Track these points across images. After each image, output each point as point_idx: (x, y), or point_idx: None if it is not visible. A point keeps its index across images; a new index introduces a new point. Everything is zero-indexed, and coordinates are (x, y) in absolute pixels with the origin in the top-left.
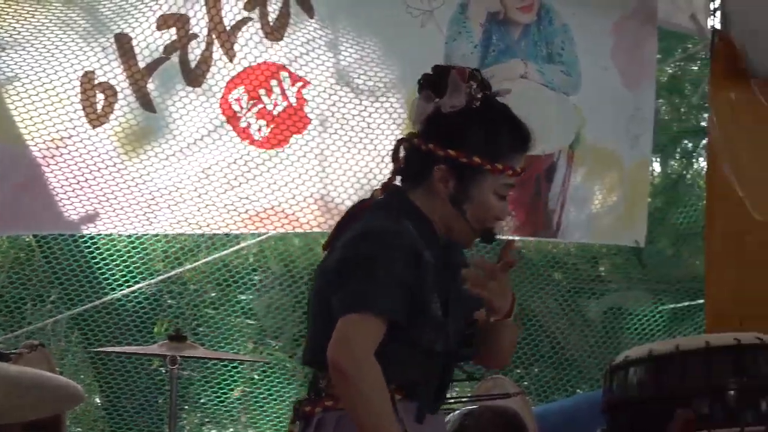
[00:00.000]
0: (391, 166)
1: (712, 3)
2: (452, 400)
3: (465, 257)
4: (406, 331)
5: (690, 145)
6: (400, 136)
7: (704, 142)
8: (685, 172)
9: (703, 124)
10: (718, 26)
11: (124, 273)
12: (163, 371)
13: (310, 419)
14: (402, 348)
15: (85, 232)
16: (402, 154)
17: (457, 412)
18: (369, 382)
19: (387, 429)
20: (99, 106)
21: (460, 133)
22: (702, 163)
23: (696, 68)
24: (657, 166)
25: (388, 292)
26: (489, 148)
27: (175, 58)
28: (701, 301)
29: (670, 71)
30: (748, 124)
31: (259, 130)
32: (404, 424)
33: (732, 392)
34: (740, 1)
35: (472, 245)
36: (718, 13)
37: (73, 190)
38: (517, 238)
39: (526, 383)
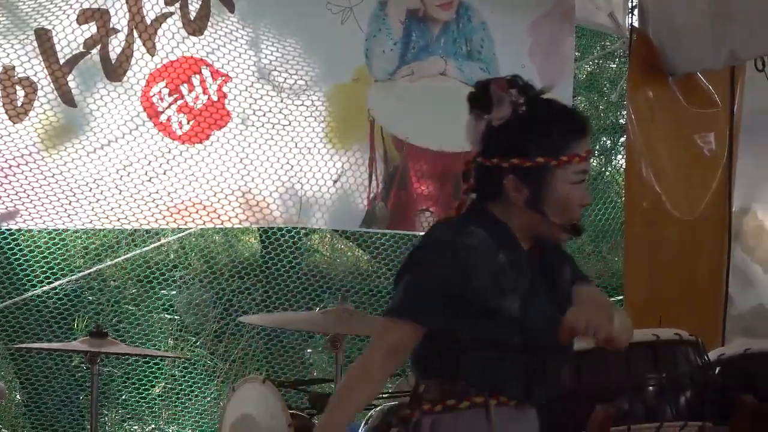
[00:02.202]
0: (305, 159)
1: (630, 1)
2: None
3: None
4: (478, 335)
5: (609, 142)
6: (320, 133)
7: (623, 139)
8: (603, 170)
9: (622, 121)
10: (636, 24)
11: (44, 269)
12: (84, 368)
13: (408, 423)
14: (481, 350)
15: (4, 227)
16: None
17: (379, 407)
18: (359, 376)
19: (343, 409)
20: (19, 102)
21: (517, 141)
22: (621, 160)
23: (614, 66)
24: None
25: (421, 299)
26: (548, 145)
27: (95, 53)
28: (620, 297)
29: (589, 69)
30: (666, 121)
31: (180, 125)
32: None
33: (651, 388)
34: (657, 1)
35: (564, 239)
36: (636, 12)
37: None
38: None
39: None
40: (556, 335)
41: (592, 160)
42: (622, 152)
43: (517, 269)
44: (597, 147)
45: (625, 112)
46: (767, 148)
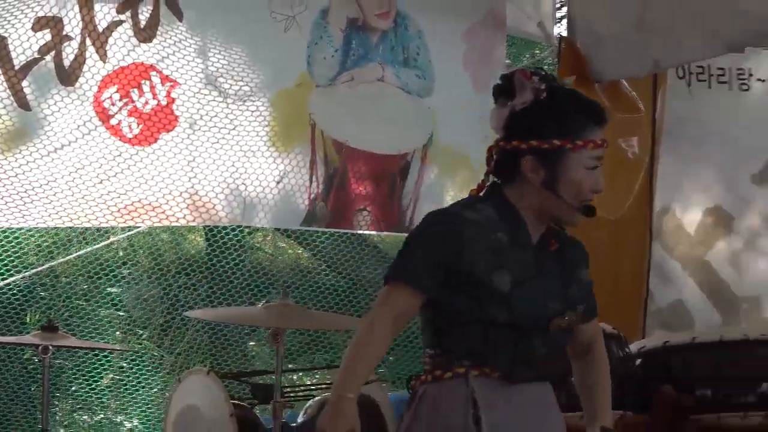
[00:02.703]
0: (249, 161)
1: (558, 11)
2: (312, 387)
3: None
4: (467, 307)
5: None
6: (264, 137)
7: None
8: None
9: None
10: (564, 34)
11: None
12: (36, 360)
13: (415, 393)
14: (468, 324)
15: None
16: (493, 159)
17: (318, 397)
18: (367, 336)
19: (353, 371)
20: None
21: (536, 124)
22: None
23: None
24: None
25: (417, 265)
26: (564, 129)
27: (49, 58)
28: None
29: None
30: None
31: (130, 128)
32: (478, 399)
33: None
34: (584, 10)
35: (577, 223)
36: (564, 22)
37: None
38: (373, 232)
39: (382, 371)
40: (544, 319)
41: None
42: None
43: (517, 250)
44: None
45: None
46: (687, 152)
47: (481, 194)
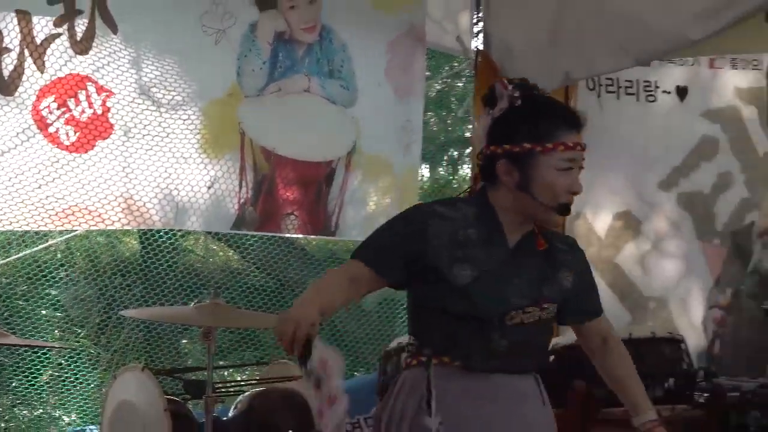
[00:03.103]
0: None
1: (475, 26)
2: (243, 383)
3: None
4: (426, 295)
5: (456, 153)
6: (195, 144)
7: (468, 150)
8: (451, 178)
9: (468, 134)
10: (480, 47)
11: None
12: None
13: (397, 380)
14: (428, 311)
15: None
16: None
17: (248, 393)
18: (328, 278)
19: (312, 294)
20: None
21: (509, 129)
22: (466, 169)
23: (461, 85)
24: (426, 172)
25: (375, 246)
26: (536, 133)
27: None
28: None
29: (438, 87)
30: None
31: (67, 135)
32: (439, 388)
33: None
34: (498, 25)
35: (556, 222)
36: (481, 36)
37: None
38: (300, 235)
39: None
40: (503, 313)
41: (441, 168)
42: (468, 162)
43: (487, 247)
44: (445, 158)
45: (471, 126)
46: (597, 160)
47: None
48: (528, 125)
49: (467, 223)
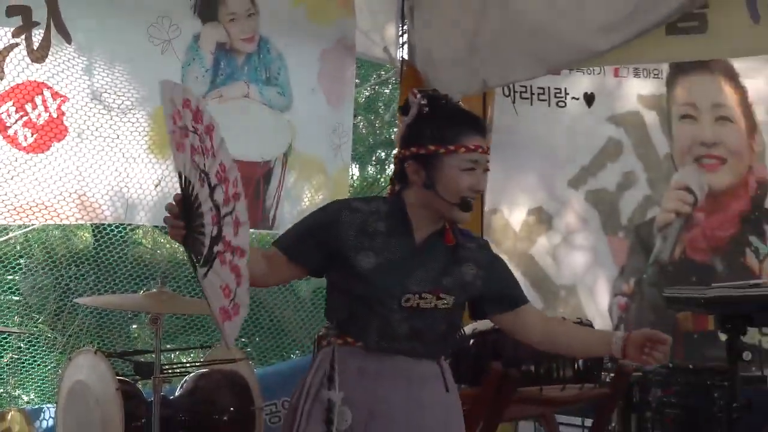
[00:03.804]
0: (131, 167)
1: (401, 38)
2: (188, 364)
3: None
4: (336, 280)
5: (383, 154)
6: (144, 145)
7: (395, 151)
8: (379, 177)
9: (394, 137)
10: (405, 57)
11: None
12: None
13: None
14: (337, 295)
15: None
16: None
17: (192, 374)
18: None
19: None
20: None
21: (417, 133)
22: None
23: (388, 91)
24: (356, 171)
25: (291, 235)
26: (438, 136)
27: None
28: None
29: (367, 93)
30: None
31: (25, 137)
32: (341, 365)
33: None
34: (421, 37)
35: (461, 218)
36: (406, 47)
37: None
38: None
39: (249, 350)
40: (399, 298)
41: (369, 168)
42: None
43: (393, 240)
44: (374, 158)
45: (396, 129)
46: (512, 160)
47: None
48: (433, 129)
49: (378, 218)
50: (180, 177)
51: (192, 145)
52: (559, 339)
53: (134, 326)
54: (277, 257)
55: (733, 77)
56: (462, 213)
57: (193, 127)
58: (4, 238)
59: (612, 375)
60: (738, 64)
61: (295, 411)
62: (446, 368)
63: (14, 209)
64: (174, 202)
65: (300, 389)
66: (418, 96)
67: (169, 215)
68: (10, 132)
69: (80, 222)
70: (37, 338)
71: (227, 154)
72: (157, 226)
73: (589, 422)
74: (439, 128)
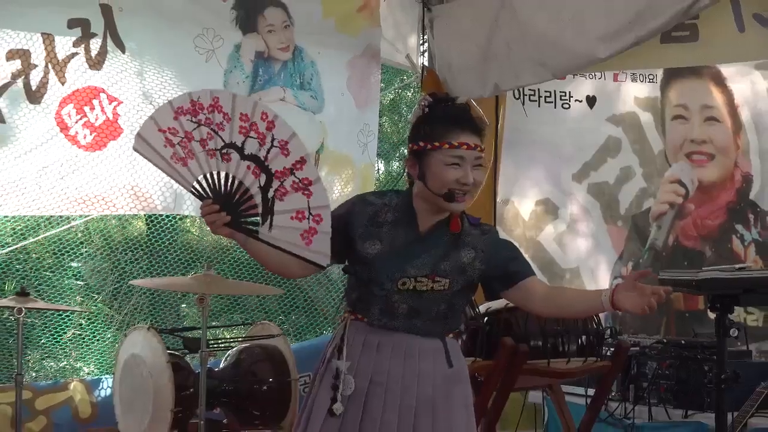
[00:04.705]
0: None
1: (421, 46)
2: (231, 340)
3: (477, 242)
4: (351, 265)
5: (405, 151)
6: None
7: None
8: (402, 171)
9: None
10: (426, 63)
11: None
12: (12, 319)
13: None
14: (351, 278)
15: None
16: None
17: (235, 348)
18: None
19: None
20: None
21: (414, 131)
22: None
23: (410, 94)
24: (381, 167)
25: None
26: (429, 134)
27: (20, 82)
28: None
29: (391, 96)
30: None
31: (84, 137)
32: (349, 338)
33: None
34: (440, 46)
35: (448, 208)
36: (426, 54)
37: None
38: None
39: (286, 327)
40: (396, 279)
41: (394, 163)
42: None
43: (399, 229)
44: (397, 154)
45: None
46: (522, 156)
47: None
48: (425, 128)
49: (388, 209)
50: (205, 180)
51: (201, 140)
52: (560, 302)
53: (183, 305)
54: None
55: (720, 81)
56: (448, 204)
57: (199, 120)
58: (67, 226)
59: (612, 349)
60: (725, 70)
61: (314, 377)
62: (452, 345)
63: (75, 201)
64: (207, 203)
65: (320, 360)
66: (426, 98)
67: (208, 213)
68: (71, 132)
69: (134, 212)
70: (97, 316)
71: (244, 102)
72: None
73: (591, 392)
74: (430, 127)
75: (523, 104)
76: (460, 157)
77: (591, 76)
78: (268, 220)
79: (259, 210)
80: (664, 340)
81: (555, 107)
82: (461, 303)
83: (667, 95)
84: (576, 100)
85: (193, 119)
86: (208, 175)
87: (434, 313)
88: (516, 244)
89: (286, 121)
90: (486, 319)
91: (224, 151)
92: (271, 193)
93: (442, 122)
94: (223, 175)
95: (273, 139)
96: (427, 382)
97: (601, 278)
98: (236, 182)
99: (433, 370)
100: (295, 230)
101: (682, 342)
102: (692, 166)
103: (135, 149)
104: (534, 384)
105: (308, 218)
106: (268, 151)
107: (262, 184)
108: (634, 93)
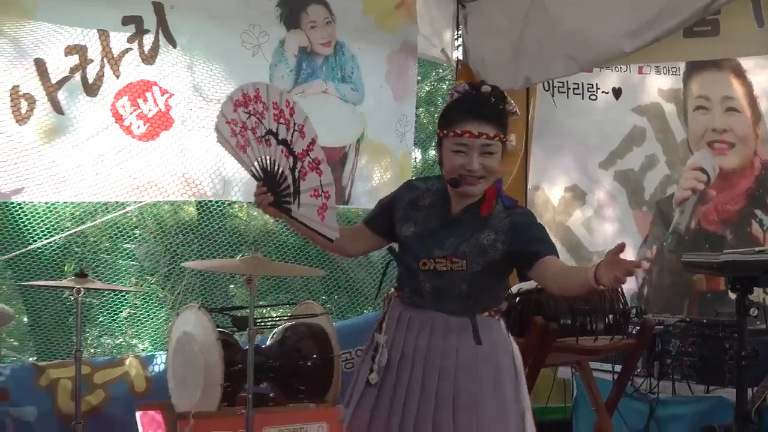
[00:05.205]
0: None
1: (456, 41)
2: (277, 318)
3: (499, 223)
4: (396, 246)
5: None
6: None
7: None
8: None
9: None
10: (460, 57)
11: (43, 229)
12: (72, 299)
13: None
14: (396, 260)
15: (14, 199)
16: None
17: (281, 326)
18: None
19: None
20: (23, 110)
21: (438, 120)
22: None
23: (445, 86)
24: (418, 155)
25: (372, 212)
26: (443, 122)
27: (77, 75)
28: None
29: (427, 89)
30: None
31: (138, 127)
32: (390, 314)
33: None
34: (474, 40)
35: (465, 193)
36: (460, 48)
37: (5, 170)
38: None
39: (329, 306)
40: (418, 260)
41: (430, 151)
42: None
43: (433, 212)
44: (433, 143)
45: None
46: (551, 145)
47: None
48: (442, 116)
49: (429, 194)
50: (258, 163)
51: (251, 128)
52: (561, 281)
53: (231, 286)
54: (364, 230)
55: (740, 74)
56: (454, 189)
57: (249, 110)
58: (122, 211)
59: (638, 328)
60: (745, 63)
61: (364, 350)
62: (483, 322)
63: (130, 188)
64: (258, 185)
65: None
66: (459, 87)
67: (258, 194)
68: (126, 123)
69: (185, 198)
70: (150, 296)
71: (275, 92)
72: (250, 202)
73: (618, 368)
74: (444, 116)
75: (553, 96)
76: (464, 145)
77: (617, 69)
78: (297, 199)
79: (291, 189)
80: (687, 319)
81: (583, 99)
82: (487, 283)
83: (690, 87)
84: (603, 92)
85: (245, 110)
86: (259, 159)
87: (457, 292)
88: (546, 228)
89: (301, 107)
90: (518, 299)
91: (266, 137)
92: (296, 174)
93: (453, 111)
94: (268, 159)
95: (294, 123)
96: (450, 357)
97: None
98: (276, 165)
99: (457, 347)
100: (312, 207)
101: (704, 321)
102: (713, 154)
103: (218, 142)
104: (563, 360)
105: (321, 195)
106: (292, 135)
107: (291, 166)
108: (658, 85)
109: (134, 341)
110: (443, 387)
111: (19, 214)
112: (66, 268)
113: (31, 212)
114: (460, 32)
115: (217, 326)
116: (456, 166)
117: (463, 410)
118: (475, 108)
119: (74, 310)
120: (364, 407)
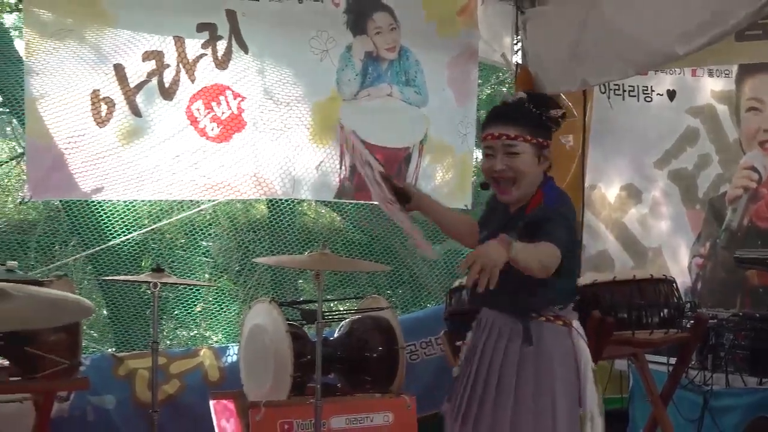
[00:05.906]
0: (296, 152)
1: (515, 45)
2: (344, 312)
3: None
4: None
5: None
6: (306, 134)
7: None
8: None
9: None
10: (519, 61)
11: (122, 226)
12: (149, 293)
13: None
14: None
15: (95, 198)
16: None
17: (348, 319)
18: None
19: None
20: (103, 113)
21: None
22: None
23: (505, 89)
24: (479, 155)
25: (483, 212)
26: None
27: (154, 80)
28: None
29: (488, 91)
30: None
31: (212, 129)
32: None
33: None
34: (533, 45)
35: (499, 197)
36: (519, 52)
37: (86, 170)
38: None
39: (393, 300)
40: None
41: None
42: None
43: (498, 215)
44: None
45: None
46: (607, 145)
47: None
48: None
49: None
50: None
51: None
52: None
53: (300, 281)
54: (476, 225)
55: None
56: (486, 192)
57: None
58: (197, 210)
59: (692, 322)
60: None
61: None
62: (536, 326)
63: (204, 187)
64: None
65: None
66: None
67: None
68: (201, 125)
69: (257, 197)
70: (223, 290)
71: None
72: (318, 200)
73: (673, 360)
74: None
75: (609, 98)
76: (490, 147)
77: (671, 72)
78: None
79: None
80: (740, 313)
81: (638, 100)
82: (532, 281)
83: (742, 89)
84: (657, 94)
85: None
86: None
87: (506, 290)
88: (602, 225)
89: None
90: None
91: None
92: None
93: (485, 119)
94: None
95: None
96: (498, 361)
97: (681, 257)
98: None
99: (506, 347)
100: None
101: (757, 315)
102: (765, 154)
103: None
104: (620, 353)
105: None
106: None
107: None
108: (710, 87)
109: (208, 333)
110: (489, 383)
111: (99, 212)
112: (143, 264)
113: (111, 210)
114: (519, 37)
115: (287, 319)
116: (485, 169)
117: (502, 403)
118: (501, 113)
119: (151, 303)
120: (450, 398)
